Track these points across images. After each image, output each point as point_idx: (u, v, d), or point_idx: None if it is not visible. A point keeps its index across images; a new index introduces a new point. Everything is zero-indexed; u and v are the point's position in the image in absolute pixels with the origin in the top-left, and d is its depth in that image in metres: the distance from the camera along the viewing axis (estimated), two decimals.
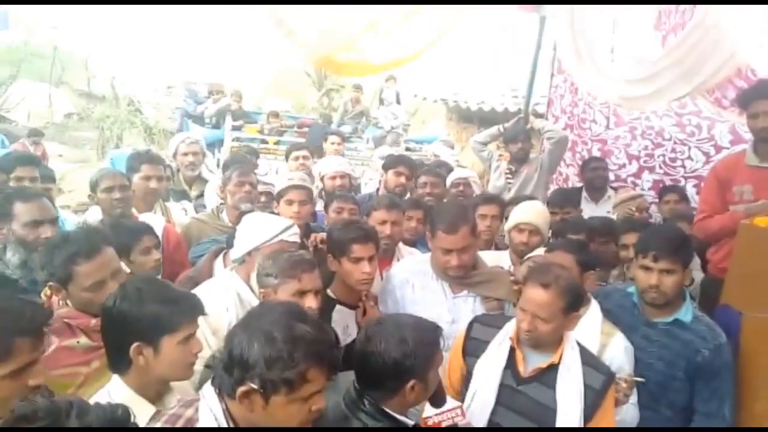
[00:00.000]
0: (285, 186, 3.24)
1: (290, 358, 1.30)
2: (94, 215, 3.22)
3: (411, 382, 1.67)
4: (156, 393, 1.67)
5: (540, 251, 2.79)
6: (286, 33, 4.03)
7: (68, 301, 2.03)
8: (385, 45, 4.54)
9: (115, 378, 1.65)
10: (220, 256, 2.72)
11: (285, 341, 1.31)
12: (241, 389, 1.31)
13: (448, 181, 4.21)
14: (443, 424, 1.86)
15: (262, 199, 3.66)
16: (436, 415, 1.86)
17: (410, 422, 1.74)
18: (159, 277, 2.76)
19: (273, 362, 1.29)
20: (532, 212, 3.13)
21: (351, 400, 1.72)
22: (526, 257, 2.81)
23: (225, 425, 1.35)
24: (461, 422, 1.87)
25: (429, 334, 1.74)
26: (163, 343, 1.61)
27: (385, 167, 4.15)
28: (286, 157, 5.03)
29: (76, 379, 1.84)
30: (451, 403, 1.88)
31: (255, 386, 1.30)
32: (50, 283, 2.03)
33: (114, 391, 1.62)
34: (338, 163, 4.28)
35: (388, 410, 1.69)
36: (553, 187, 5.20)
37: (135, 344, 1.60)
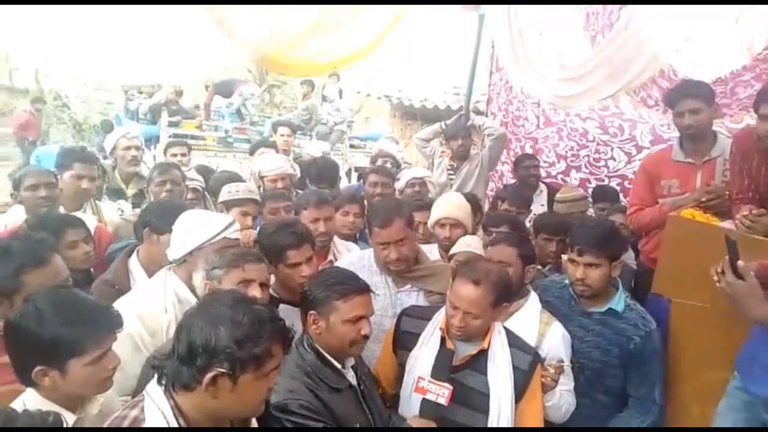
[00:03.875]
0: (235, 198, 3.14)
1: (258, 335, 1.35)
2: (17, 215, 3.01)
3: (311, 314, 1.91)
4: (75, 402, 1.58)
5: (464, 245, 2.87)
6: (227, 33, 3.91)
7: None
8: (330, 43, 4.50)
9: (29, 389, 1.55)
10: (134, 254, 2.61)
11: (250, 321, 1.36)
12: (209, 375, 1.33)
13: (403, 180, 4.21)
14: (428, 395, 2.02)
15: (189, 195, 3.54)
16: (429, 382, 2.02)
17: (337, 364, 1.90)
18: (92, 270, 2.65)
19: (242, 342, 1.33)
20: (451, 206, 3.20)
21: (302, 334, 1.96)
22: (450, 252, 2.86)
23: (174, 421, 1.34)
24: (441, 401, 2.01)
25: (338, 281, 1.93)
26: (69, 366, 1.51)
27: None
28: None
29: (17, 397, 1.69)
30: (447, 384, 2.04)
31: (223, 369, 1.32)
32: None
33: (29, 403, 1.52)
34: (279, 164, 4.17)
35: (317, 346, 1.90)
36: (491, 184, 5.32)
37: (37, 368, 1.49)
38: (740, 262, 1.69)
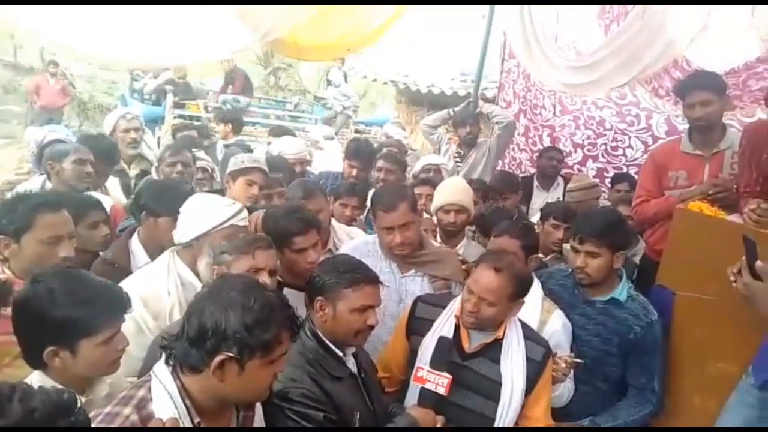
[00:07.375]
0: (240, 167, 3.13)
1: (267, 321, 1.36)
2: (35, 186, 2.98)
3: (318, 300, 1.89)
4: (83, 384, 1.58)
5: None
6: (242, 17, 3.89)
7: (5, 269, 1.97)
8: (344, 28, 4.47)
9: (36, 371, 1.55)
10: (135, 234, 2.60)
11: (261, 307, 1.36)
12: (217, 359, 1.32)
13: (418, 166, 4.18)
14: (427, 384, 1.99)
15: (199, 175, 3.57)
16: (428, 371, 2.00)
17: (338, 352, 1.89)
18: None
19: (252, 327, 1.34)
20: (455, 191, 3.16)
21: (304, 320, 1.92)
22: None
23: (181, 402, 1.35)
24: (441, 391, 1.99)
25: (348, 269, 1.92)
26: (80, 346, 1.51)
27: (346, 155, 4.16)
28: None
29: (14, 348, 1.69)
30: (446, 373, 2.00)
31: (232, 354, 1.32)
32: None
33: (36, 384, 1.52)
34: (299, 149, 4.19)
35: (319, 333, 1.89)
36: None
37: (49, 348, 1.49)
38: (759, 263, 1.63)
